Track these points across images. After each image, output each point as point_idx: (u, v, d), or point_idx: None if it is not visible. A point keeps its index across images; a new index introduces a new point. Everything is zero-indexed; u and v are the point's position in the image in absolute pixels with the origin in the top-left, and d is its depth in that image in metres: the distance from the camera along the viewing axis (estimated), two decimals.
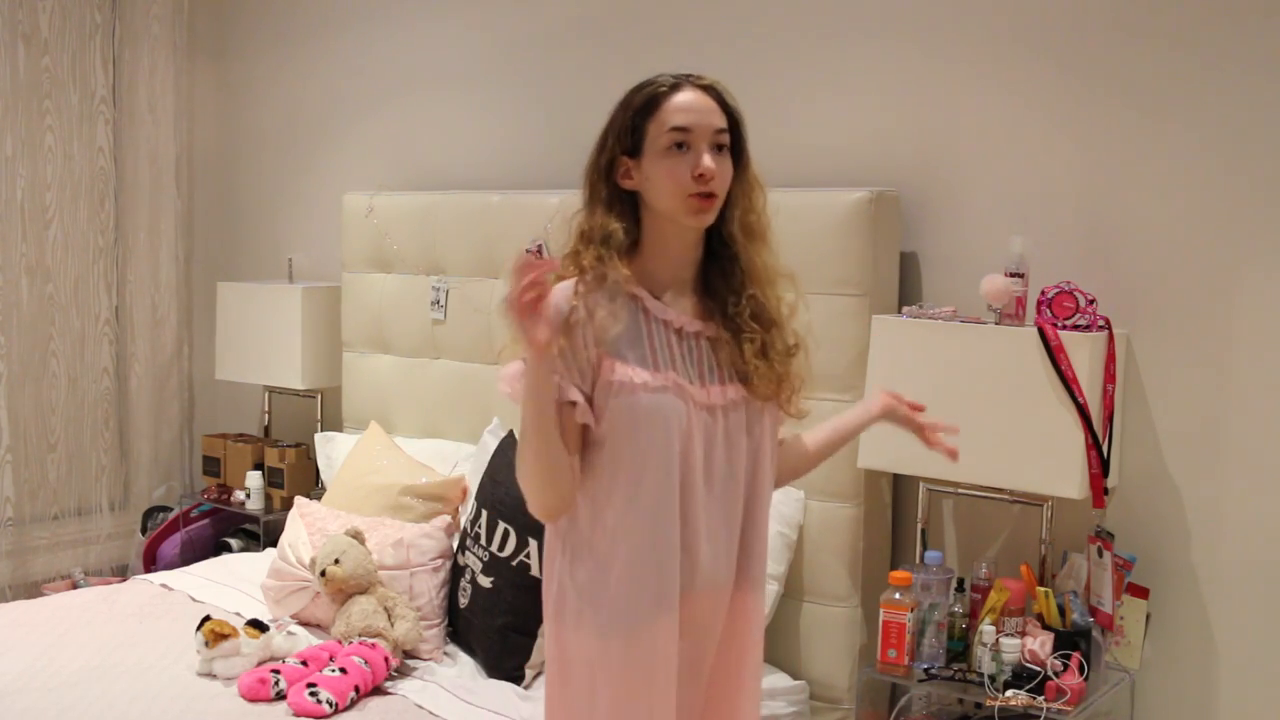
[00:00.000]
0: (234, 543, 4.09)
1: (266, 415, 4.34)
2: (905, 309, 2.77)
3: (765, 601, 2.16)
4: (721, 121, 1.84)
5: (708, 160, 1.80)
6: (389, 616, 2.92)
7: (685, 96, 1.83)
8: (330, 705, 2.57)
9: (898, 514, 2.99)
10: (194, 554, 4.03)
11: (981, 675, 2.50)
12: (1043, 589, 2.59)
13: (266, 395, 4.33)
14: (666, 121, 1.81)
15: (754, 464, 1.91)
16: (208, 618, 2.84)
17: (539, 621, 2.78)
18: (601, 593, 1.83)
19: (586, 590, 1.84)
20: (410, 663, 2.91)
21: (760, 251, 1.92)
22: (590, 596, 1.84)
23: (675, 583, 1.83)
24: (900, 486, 2.98)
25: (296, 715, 2.56)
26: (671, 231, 1.86)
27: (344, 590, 2.94)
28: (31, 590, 4.07)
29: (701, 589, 1.87)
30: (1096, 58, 2.69)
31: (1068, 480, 2.51)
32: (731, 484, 1.88)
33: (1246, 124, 2.52)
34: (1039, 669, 2.46)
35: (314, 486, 3.98)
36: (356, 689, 2.65)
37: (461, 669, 2.93)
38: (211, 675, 2.76)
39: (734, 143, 1.86)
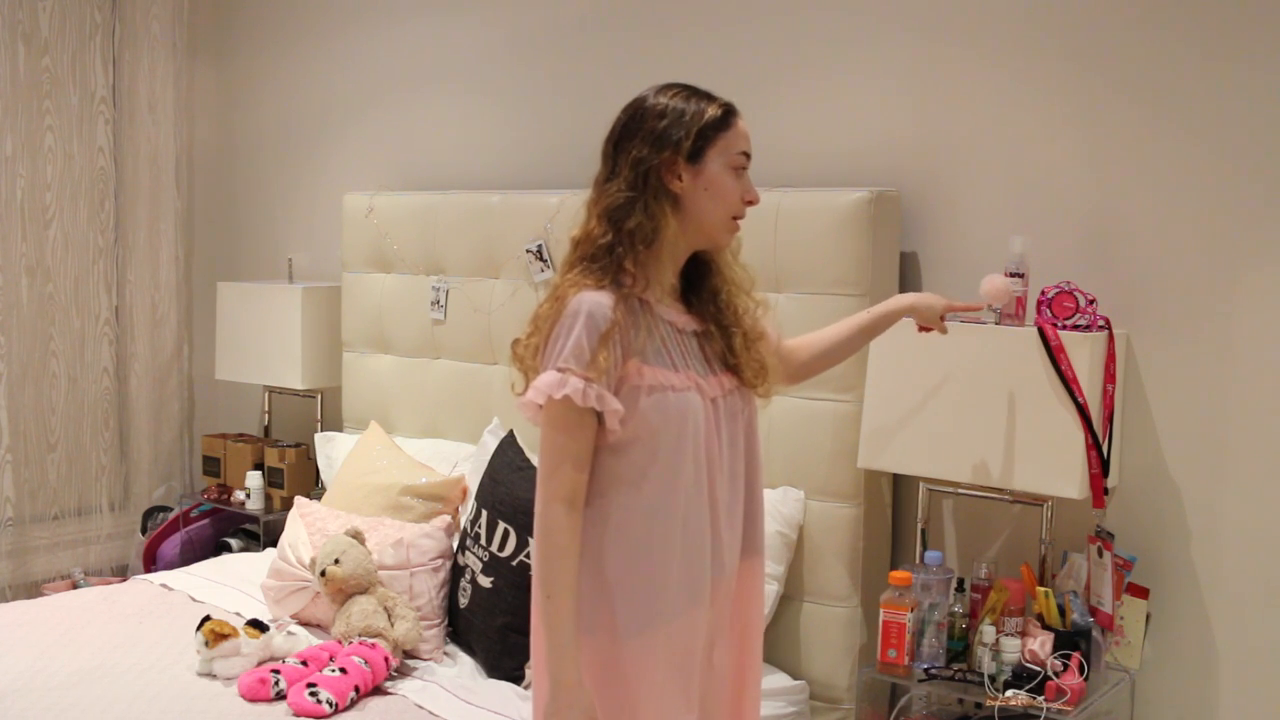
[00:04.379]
0: (234, 543, 4.09)
1: (266, 415, 4.34)
2: None
3: (765, 564, 2.25)
4: None
5: (757, 191, 1.98)
6: (389, 616, 2.92)
7: (744, 125, 1.96)
8: (330, 705, 2.57)
9: (898, 514, 2.99)
10: (194, 554, 4.03)
11: (981, 675, 2.50)
12: (1043, 589, 2.59)
13: (266, 395, 4.33)
14: (738, 143, 1.94)
15: (749, 445, 2.04)
16: (208, 618, 2.84)
17: None
18: (637, 593, 1.89)
19: (618, 592, 1.89)
20: (410, 663, 2.91)
21: (731, 263, 2.06)
22: (626, 597, 1.89)
23: (708, 574, 1.94)
24: (900, 486, 2.98)
25: (296, 715, 2.56)
26: (684, 239, 1.95)
27: (344, 590, 2.94)
28: (31, 590, 4.08)
29: (718, 574, 1.97)
30: (1097, 58, 2.69)
31: (1068, 480, 2.51)
32: (734, 469, 1.99)
33: (1247, 124, 2.52)
34: (1039, 669, 2.46)
35: (314, 486, 3.99)
36: (356, 689, 2.65)
37: (461, 669, 2.93)
38: (211, 675, 2.76)
39: None
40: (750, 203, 1.97)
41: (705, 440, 1.93)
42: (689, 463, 1.90)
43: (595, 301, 1.84)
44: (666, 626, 1.90)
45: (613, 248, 1.88)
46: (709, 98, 1.94)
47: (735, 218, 1.97)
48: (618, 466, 1.88)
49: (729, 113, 1.95)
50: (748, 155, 1.97)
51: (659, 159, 1.88)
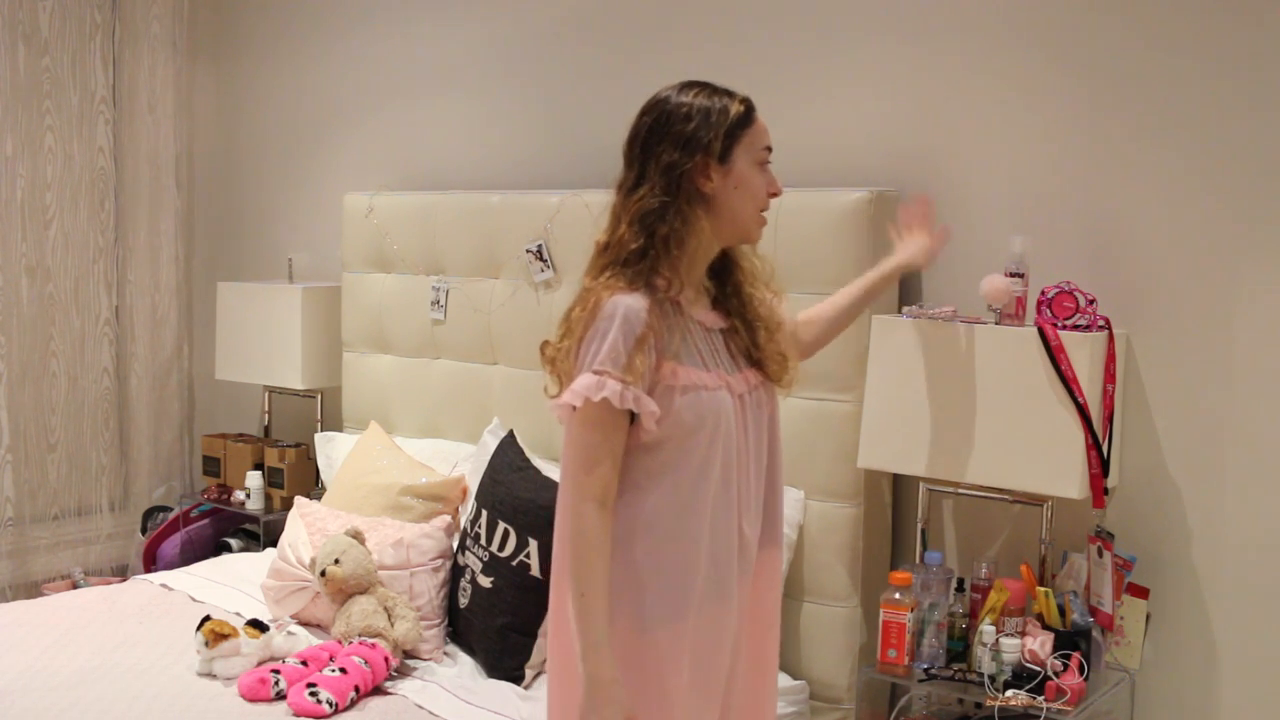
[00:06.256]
0: (234, 543, 4.09)
1: (266, 415, 4.34)
2: (905, 309, 2.77)
3: (783, 555, 2.28)
4: None
5: (780, 184, 2.00)
6: (389, 616, 2.92)
7: (762, 119, 1.98)
8: (330, 705, 2.57)
9: (898, 514, 2.99)
10: (194, 554, 4.03)
11: (981, 675, 2.50)
12: (1043, 589, 2.59)
13: (266, 395, 4.33)
14: (761, 139, 1.96)
15: (771, 439, 2.06)
16: (208, 618, 2.84)
17: (539, 621, 2.79)
18: (666, 584, 1.90)
19: (647, 582, 1.89)
20: (410, 663, 2.91)
21: (750, 255, 2.08)
22: (655, 588, 1.90)
23: (735, 571, 1.96)
24: (900, 486, 2.98)
25: (296, 715, 2.56)
26: (713, 237, 1.96)
27: (344, 590, 2.94)
28: (31, 590, 4.08)
29: (744, 572, 1.99)
30: (1097, 58, 2.69)
31: (1068, 480, 2.51)
32: (759, 464, 2.01)
33: (1247, 124, 2.52)
34: (1039, 669, 2.46)
35: (314, 486, 3.99)
36: (356, 689, 2.65)
37: (461, 669, 2.93)
38: (211, 675, 2.76)
39: None
40: (774, 194, 1.99)
41: (738, 439, 1.95)
42: (718, 460, 1.91)
43: (630, 305, 1.85)
44: (694, 619, 1.91)
45: (645, 252, 1.89)
46: (729, 94, 1.95)
47: (762, 210, 1.99)
48: (650, 464, 1.90)
49: (750, 108, 1.96)
50: (769, 149, 1.98)
51: (691, 163, 1.89)
